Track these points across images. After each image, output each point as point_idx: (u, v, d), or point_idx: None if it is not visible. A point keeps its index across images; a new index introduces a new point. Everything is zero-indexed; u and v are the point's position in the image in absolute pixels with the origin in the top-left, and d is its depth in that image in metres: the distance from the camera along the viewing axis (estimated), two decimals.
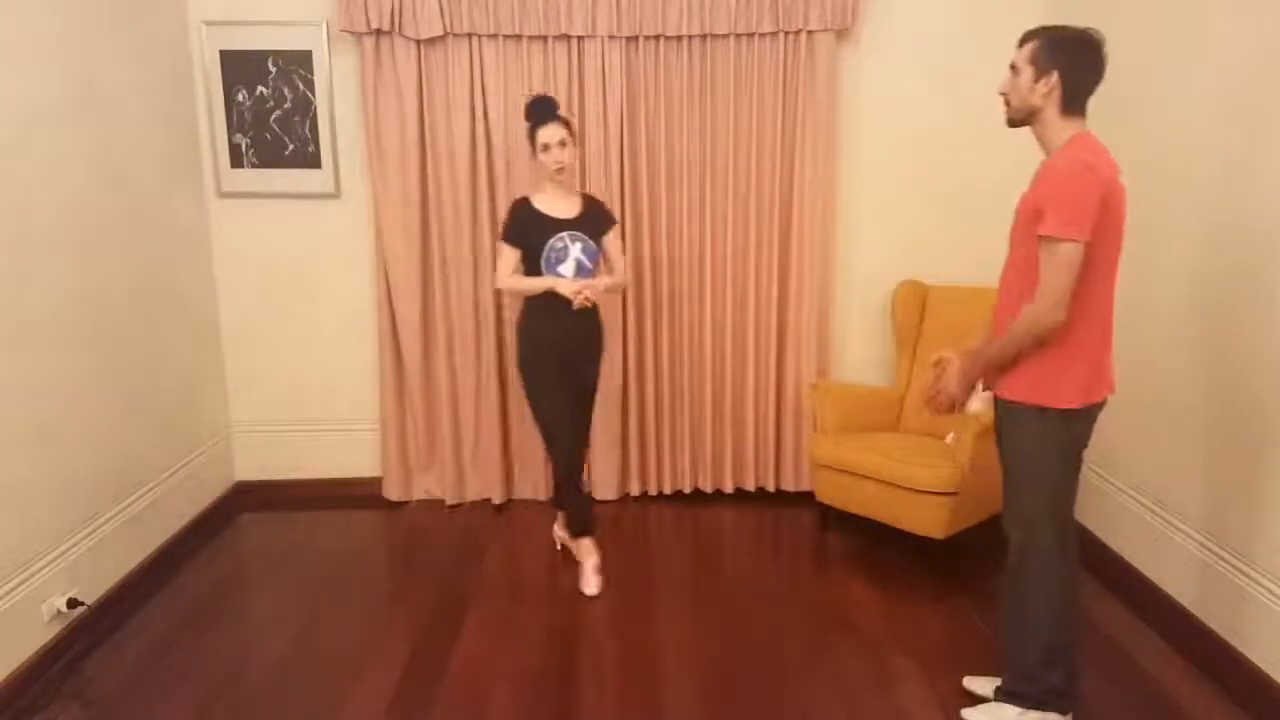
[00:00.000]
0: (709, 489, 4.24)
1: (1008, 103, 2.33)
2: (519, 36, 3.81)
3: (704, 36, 3.84)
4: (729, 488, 4.22)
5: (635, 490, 4.24)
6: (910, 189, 4.07)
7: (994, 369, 2.38)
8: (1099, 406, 2.36)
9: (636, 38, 3.83)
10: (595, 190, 3.90)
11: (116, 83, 3.31)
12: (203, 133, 3.94)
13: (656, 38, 3.83)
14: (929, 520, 3.40)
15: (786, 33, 3.83)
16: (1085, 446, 2.40)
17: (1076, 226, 2.13)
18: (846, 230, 4.10)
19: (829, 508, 3.80)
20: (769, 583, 3.43)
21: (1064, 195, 2.15)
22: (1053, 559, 2.39)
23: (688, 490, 4.23)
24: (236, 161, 3.96)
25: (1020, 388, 2.34)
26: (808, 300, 4.04)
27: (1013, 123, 2.35)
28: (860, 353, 4.23)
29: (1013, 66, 2.29)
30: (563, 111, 3.29)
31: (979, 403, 3.59)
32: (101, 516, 3.18)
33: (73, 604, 2.94)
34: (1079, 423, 2.34)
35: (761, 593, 3.34)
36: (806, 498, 4.05)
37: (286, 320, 4.13)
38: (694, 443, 4.20)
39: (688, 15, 3.78)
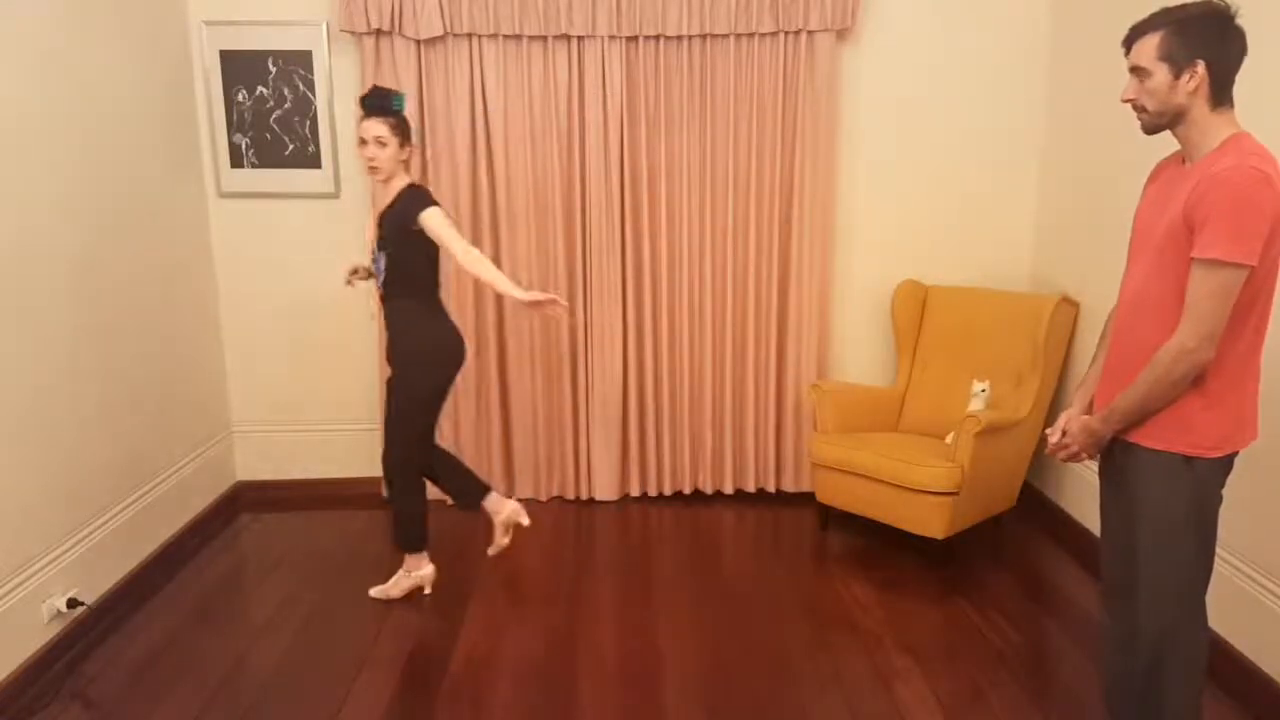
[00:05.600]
0: (709, 490, 4.23)
1: (1143, 109, 1.93)
2: (519, 36, 3.81)
3: (704, 36, 3.84)
4: (729, 489, 4.22)
5: (635, 491, 4.23)
6: (910, 189, 4.08)
7: (1130, 422, 1.99)
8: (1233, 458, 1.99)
9: (636, 38, 3.83)
10: (595, 189, 3.91)
11: (116, 83, 3.31)
12: (203, 133, 3.94)
13: (656, 38, 3.83)
14: (929, 520, 3.40)
15: (786, 33, 3.83)
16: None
17: (1247, 249, 1.78)
18: (846, 230, 4.10)
19: (829, 508, 3.80)
20: (769, 583, 3.42)
21: (1234, 210, 1.78)
22: (1201, 654, 2.02)
23: (688, 491, 4.23)
24: (236, 161, 3.96)
25: (1162, 430, 1.95)
26: (808, 300, 4.04)
27: (1152, 130, 1.96)
28: (860, 353, 4.23)
29: (1136, 69, 1.91)
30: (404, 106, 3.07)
31: (979, 402, 3.61)
32: (101, 516, 3.18)
33: (73, 604, 2.94)
34: (1224, 476, 1.98)
35: (761, 593, 3.34)
36: (806, 498, 4.05)
37: (286, 320, 4.12)
38: (694, 444, 4.20)
39: (688, 15, 3.78)
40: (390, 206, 3.06)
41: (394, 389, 3.18)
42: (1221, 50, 1.85)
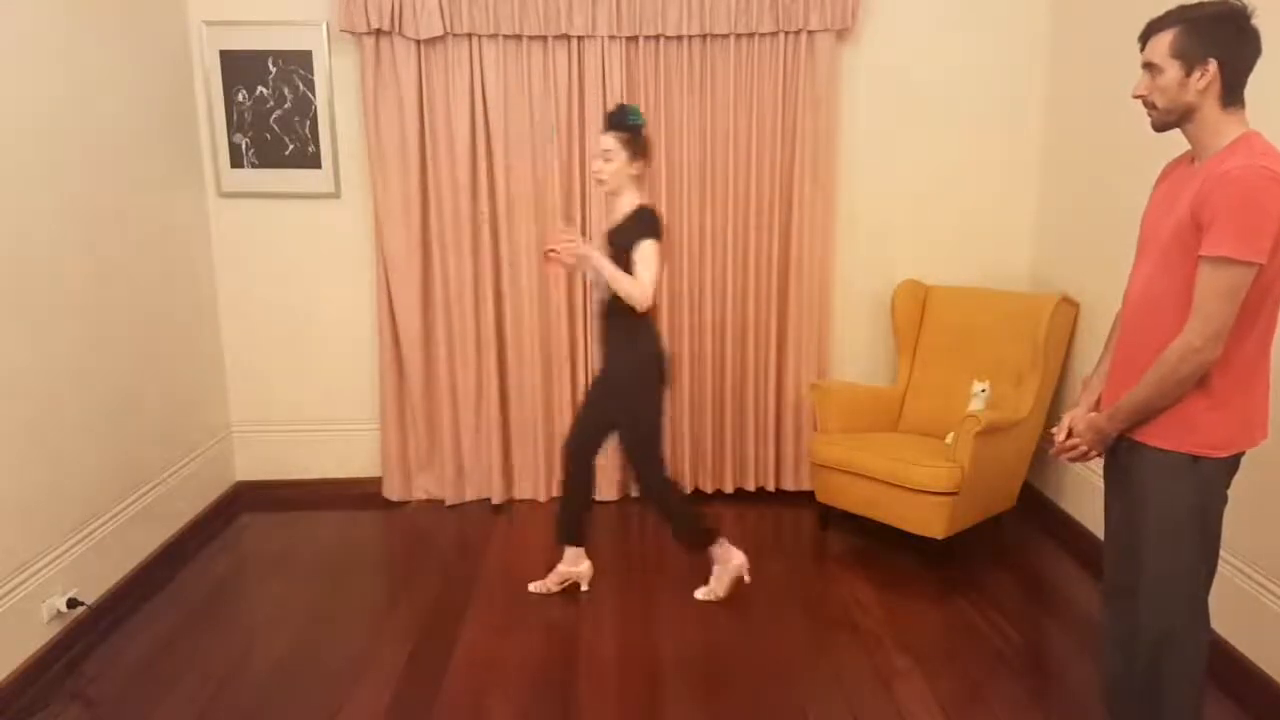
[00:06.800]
0: (709, 489, 4.23)
1: (1153, 106, 1.93)
2: (519, 36, 3.81)
3: (704, 36, 3.84)
4: (729, 488, 4.22)
5: (635, 491, 4.22)
6: (910, 189, 4.08)
7: (1137, 420, 1.98)
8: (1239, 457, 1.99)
9: (636, 38, 3.83)
10: (595, 189, 3.90)
11: (116, 83, 3.31)
12: (203, 133, 3.94)
13: (656, 38, 3.83)
14: (929, 520, 3.40)
15: (786, 33, 3.83)
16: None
17: (1255, 247, 1.78)
18: (846, 230, 4.10)
19: (829, 508, 3.80)
20: (769, 583, 3.42)
21: (1243, 208, 1.77)
22: (1202, 655, 2.01)
23: (688, 490, 4.23)
24: (236, 161, 3.96)
25: (1168, 429, 1.94)
26: (808, 300, 4.04)
27: (1161, 127, 1.96)
28: (860, 353, 4.23)
29: (1148, 65, 1.91)
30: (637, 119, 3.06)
31: (979, 402, 3.61)
32: (101, 516, 3.18)
33: (73, 604, 2.94)
34: (1230, 477, 1.98)
35: (761, 593, 3.34)
36: (806, 498, 4.05)
37: (286, 320, 4.12)
38: (694, 443, 4.20)
39: (688, 15, 3.78)
40: (620, 224, 3.06)
41: (620, 420, 3.17)
42: (1235, 50, 1.85)
